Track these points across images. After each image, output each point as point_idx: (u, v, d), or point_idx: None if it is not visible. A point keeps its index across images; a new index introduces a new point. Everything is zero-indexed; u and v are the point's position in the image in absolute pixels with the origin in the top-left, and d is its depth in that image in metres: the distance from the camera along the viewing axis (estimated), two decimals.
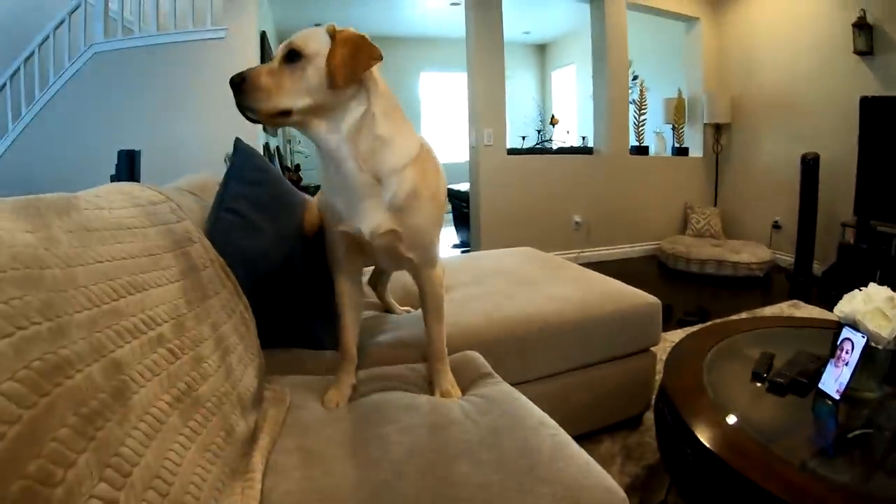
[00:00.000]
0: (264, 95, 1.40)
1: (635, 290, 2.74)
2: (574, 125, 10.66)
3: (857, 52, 5.31)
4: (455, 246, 7.52)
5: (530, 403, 1.59)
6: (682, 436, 1.78)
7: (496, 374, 1.81)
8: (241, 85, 1.39)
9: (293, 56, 1.44)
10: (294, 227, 1.98)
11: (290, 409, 1.56)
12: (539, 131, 8.37)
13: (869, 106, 4.88)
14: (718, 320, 3.27)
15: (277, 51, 1.47)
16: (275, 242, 1.88)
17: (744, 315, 4.49)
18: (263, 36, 6.33)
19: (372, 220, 1.60)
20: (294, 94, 1.42)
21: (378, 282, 2.53)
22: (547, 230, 6.13)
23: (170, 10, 5.53)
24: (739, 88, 6.86)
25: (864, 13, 5.23)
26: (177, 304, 1.23)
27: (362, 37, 1.49)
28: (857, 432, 1.78)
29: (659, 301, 2.70)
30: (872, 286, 2.01)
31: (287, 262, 1.91)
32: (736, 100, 6.89)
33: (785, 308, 4.74)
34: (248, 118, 1.44)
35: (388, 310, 2.53)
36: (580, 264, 2.97)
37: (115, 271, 1.06)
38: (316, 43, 1.45)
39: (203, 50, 5.38)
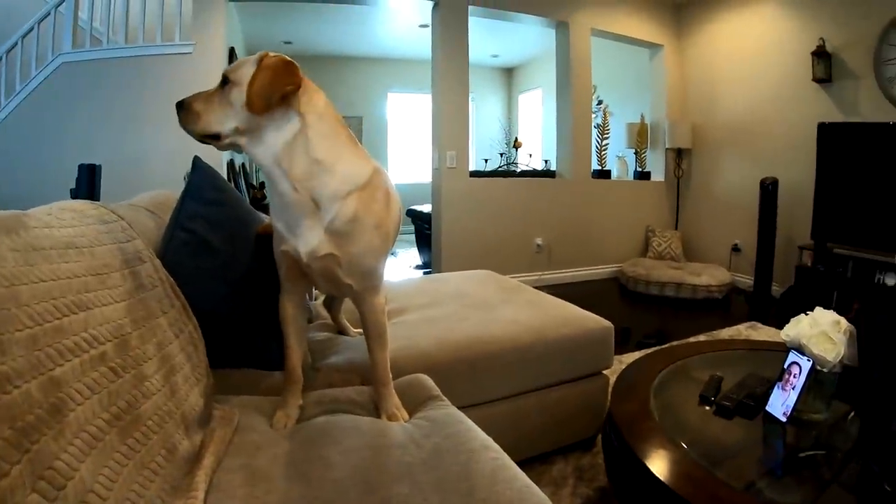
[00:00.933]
0: (194, 118, 1.49)
1: (588, 313, 2.74)
2: (539, 149, 10.70)
3: (816, 80, 5.45)
4: (417, 267, 7.49)
5: (475, 427, 1.59)
6: (628, 461, 1.77)
7: (444, 398, 1.81)
8: (179, 107, 1.50)
9: (224, 82, 1.51)
10: (250, 247, 1.96)
11: (238, 429, 1.54)
12: (502, 154, 8.37)
13: (826, 132, 4.99)
14: (673, 343, 3.28)
15: None
16: (229, 262, 1.87)
17: (702, 337, 4.52)
18: (232, 52, 6.29)
19: (310, 241, 1.59)
20: (221, 117, 1.49)
21: (332, 303, 2.50)
22: (508, 253, 6.13)
23: (139, 23, 5.46)
24: (701, 114, 6.98)
25: (823, 42, 5.37)
26: (121, 323, 1.22)
27: (286, 62, 1.52)
28: (805, 454, 1.80)
29: (611, 324, 2.69)
30: (818, 310, 2.03)
31: (241, 283, 1.89)
32: (697, 125, 6.99)
33: (743, 330, 4.79)
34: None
35: (341, 331, 2.49)
36: (541, 287, 2.95)
37: (59, 290, 1.07)
38: (243, 69, 1.50)
39: (171, 64, 5.30)
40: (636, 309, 5.64)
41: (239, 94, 1.47)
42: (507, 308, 2.75)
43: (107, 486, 0.97)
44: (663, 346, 2.90)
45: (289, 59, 1.54)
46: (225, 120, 1.49)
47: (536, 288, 3.13)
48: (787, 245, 5.71)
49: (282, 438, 1.53)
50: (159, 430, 1.20)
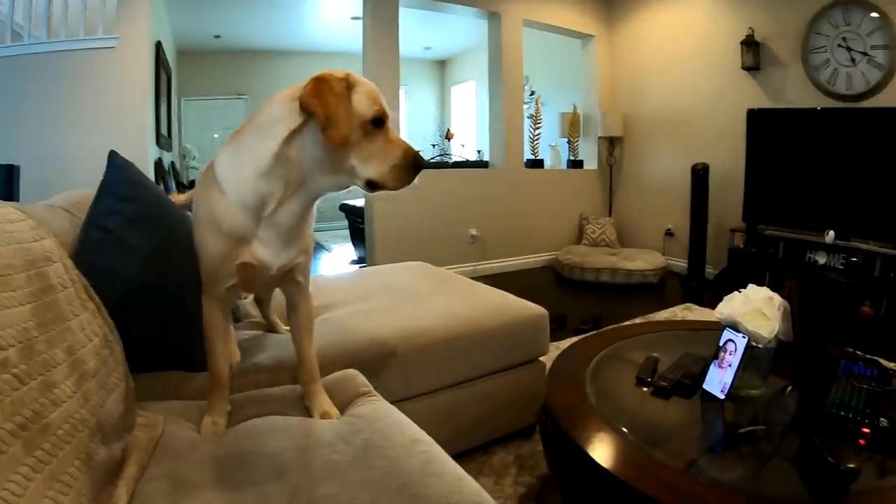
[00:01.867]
0: None
1: (522, 301, 2.72)
2: (473, 140, 10.70)
3: (745, 68, 5.59)
4: (353, 262, 7.36)
5: (406, 420, 1.57)
6: (566, 448, 1.72)
7: (375, 393, 1.76)
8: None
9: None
10: (170, 244, 1.84)
11: (162, 436, 1.47)
12: (434, 145, 8.31)
13: (755, 118, 5.16)
14: (608, 327, 3.26)
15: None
16: (148, 260, 1.74)
17: (638, 320, 4.53)
18: (159, 46, 6.07)
19: (288, 253, 1.55)
20: None
21: (262, 301, 2.40)
22: (442, 244, 6.06)
23: (61, 17, 5.20)
24: (633, 103, 7.05)
25: (753, 31, 5.49)
26: (26, 326, 1.11)
27: None
28: (744, 430, 1.77)
29: (545, 311, 2.67)
30: (752, 287, 2.02)
31: (162, 281, 1.78)
32: (629, 114, 7.06)
33: (678, 311, 4.88)
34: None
35: (271, 329, 2.39)
36: (476, 277, 2.91)
37: None
38: None
39: (94, 59, 5.03)
40: (572, 296, 5.63)
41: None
42: (439, 299, 2.69)
43: (11, 502, 0.89)
44: (599, 331, 2.87)
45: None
46: None
47: (472, 279, 3.08)
48: (719, 228, 5.84)
49: (208, 443, 1.46)
50: (72, 439, 1.11)
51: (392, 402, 1.77)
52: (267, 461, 1.35)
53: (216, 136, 9.54)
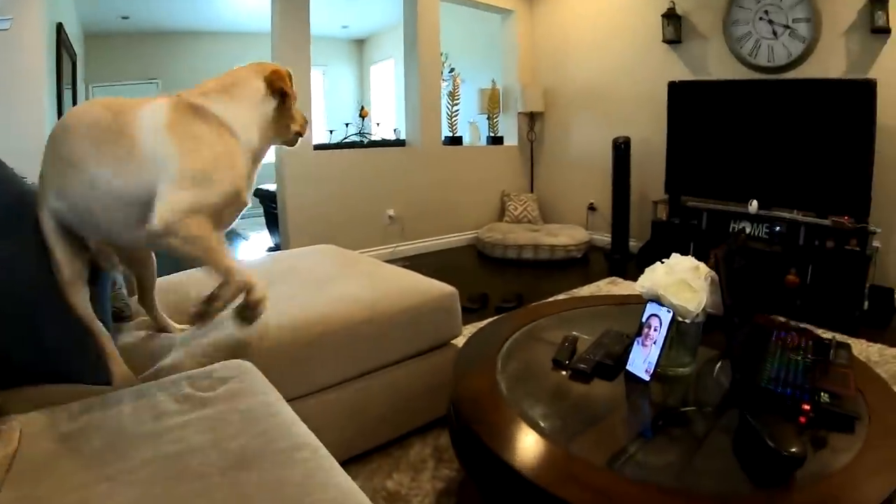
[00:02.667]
0: None
1: (430, 280, 2.55)
2: (393, 119, 10.45)
3: (666, 41, 5.56)
4: (270, 249, 7.04)
5: (293, 421, 1.43)
6: (472, 444, 1.51)
7: (266, 386, 1.61)
8: None
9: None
10: (31, 241, 1.65)
11: (19, 451, 1.29)
12: (347, 124, 8.06)
13: (676, 90, 5.16)
14: (529, 304, 3.09)
15: None
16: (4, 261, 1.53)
17: (561, 296, 4.42)
18: (60, 28, 5.61)
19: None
20: None
21: (146, 299, 2.11)
22: (360, 226, 5.81)
23: None
24: (553, 77, 6.94)
25: (674, 4, 5.45)
26: None
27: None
28: (675, 412, 1.64)
29: (455, 290, 2.51)
30: (675, 256, 1.87)
31: (20, 284, 1.56)
32: (550, 88, 6.96)
33: (603, 286, 4.81)
34: None
35: (161, 329, 2.13)
36: (396, 259, 2.74)
37: None
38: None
39: None
40: (495, 274, 5.51)
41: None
42: (341, 283, 2.48)
43: None
44: (516, 310, 2.69)
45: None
46: None
47: (391, 261, 2.88)
48: (642, 201, 5.83)
49: (69, 457, 1.28)
50: None
51: (291, 399, 1.69)
52: (131, 477, 1.19)
53: None
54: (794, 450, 1.26)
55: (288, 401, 1.63)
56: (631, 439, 1.52)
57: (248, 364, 1.72)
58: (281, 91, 1.79)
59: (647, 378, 1.68)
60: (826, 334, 2.15)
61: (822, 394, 1.56)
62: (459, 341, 2.48)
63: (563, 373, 1.80)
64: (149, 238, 1.53)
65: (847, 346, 1.91)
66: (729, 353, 1.78)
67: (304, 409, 1.95)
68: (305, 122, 1.93)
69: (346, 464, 2.17)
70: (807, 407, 1.50)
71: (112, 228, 1.64)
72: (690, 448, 1.46)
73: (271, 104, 1.79)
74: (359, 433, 2.23)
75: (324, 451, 1.30)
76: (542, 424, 1.51)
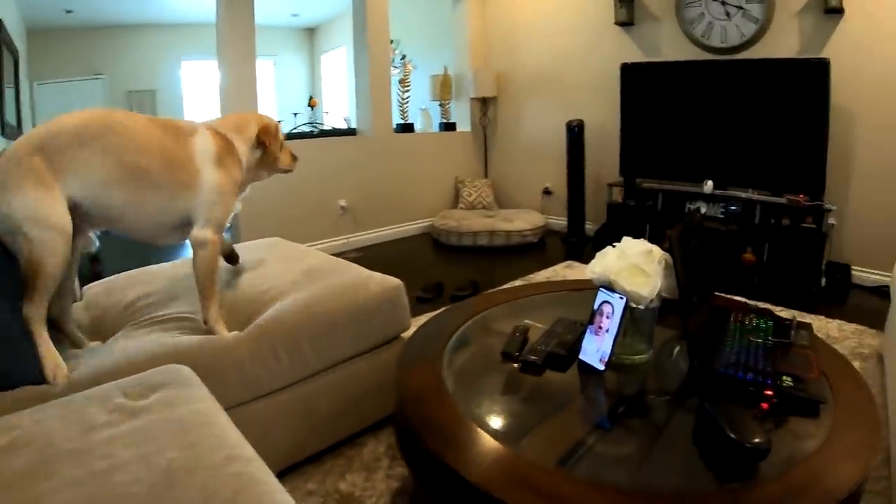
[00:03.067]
0: None
1: (374, 274, 2.44)
2: (346, 108, 10.27)
3: (619, 23, 5.48)
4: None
5: (228, 430, 1.35)
6: (416, 446, 1.41)
7: (202, 393, 1.51)
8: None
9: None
10: None
11: None
12: (296, 114, 7.90)
13: (629, 72, 5.12)
14: (484, 292, 3.00)
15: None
16: None
17: (518, 282, 4.37)
18: (0, 25, 5.37)
19: None
20: None
21: (62, 312, 1.97)
22: (311, 218, 5.67)
23: None
24: (505, 62, 6.86)
25: None
26: None
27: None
28: (626, 405, 1.57)
29: (400, 282, 2.40)
30: (626, 240, 1.80)
31: None
32: (502, 73, 6.88)
33: (560, 270, 4.74)
34: None
35: (75, 345, 2.00)
36: (349, 250, 2.65)
37: None
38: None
39: None
40: (450, 262, 5.43)
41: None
42: (280, 281, 2.37)
43: None
44: (467, 299, 2.60)
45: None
46: None
47: (344, 252, 2.77)
48: (597, 184, 5.77)
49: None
50: None
51: (233, 406, 1.68)
52: (54, 498, 1.11)
53: None
54: (757, 440, 1.20)
55: (231, 407, 1.54)
56: (586, 434, 1.44)
57: (184, 369, 1.63)
58: (263, 143, 2.22)
59: (601, 368, 1.61)
60: (784, 312, 2.10)
61: (784, 377, 1.50)
62: (409, 335, 2.38)
63: (514, 365, 1.71)
64: (192, 243, 2.00)
65: (808, 326, 1.85)
66: (686, 338, 1.69)
67: (250, 414, 1.89)
68: (293, 160, 2.46)
69: (297, 466, 2.11)
70: (769, 392, 1.44)
71: (132, 228, 1.95)
72: (649, 441, 1.39)
73: (258, 150, 2.22)
74: (310, 435, 2.14)
75: (258, 462, 1.23)
76: (491, 423, 1.43)
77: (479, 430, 1.37)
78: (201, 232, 1.97)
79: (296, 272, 2.47)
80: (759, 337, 1.73)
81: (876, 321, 3.22)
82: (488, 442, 1.33)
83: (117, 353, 1.77)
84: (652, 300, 1.61)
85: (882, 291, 3.95)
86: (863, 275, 4.18)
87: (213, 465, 1.19)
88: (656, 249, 1.70)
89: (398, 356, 1.88)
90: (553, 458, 1.28)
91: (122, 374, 1.63)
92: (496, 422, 1.44)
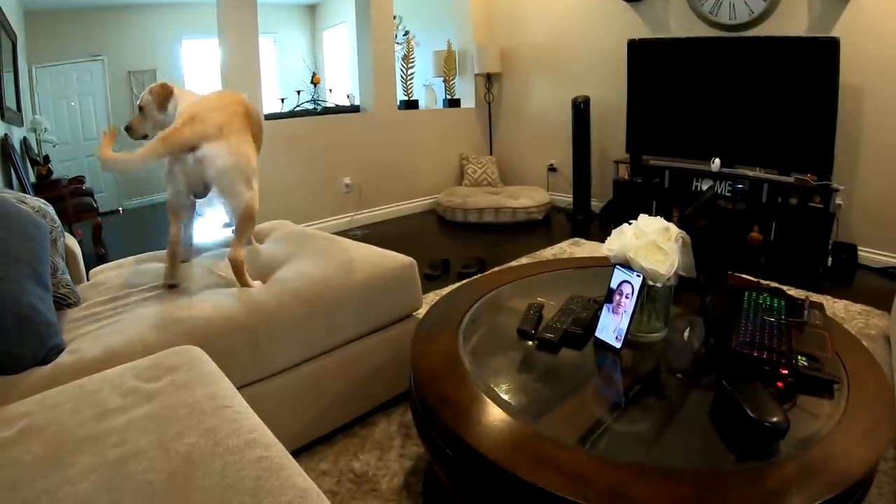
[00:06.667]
0: (133, 131, 2.35)
1: (386, 252, 2.45)
2: (348, 85, 10.20)
3: None
4: (226, 225, 6.85)
5: (245, 413, 1.34)
6: (435, 425, 1.42)
7: (216, 375, 1.51)
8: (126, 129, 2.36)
9: (140, 109, 2.32)
10: None
11: None
12: (299, 92, 7.83)
13: (636, 48, 5.05)
14: (493, 269, 3.00)
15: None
16: None
17: (524, 259, 4.38)
18: None
19: None
20: (145, 126, 2.34)
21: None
22: (316, 197, 5.65)
23: None
24: (510, 37, 6.80)
25: None
26: None
27: (162, 84, 2.34)
28: (644, 383, 1.57)
29: (413, 260, 2.42)
30: (643, 217, 1.78)
31: None
32: (506, 49, 6.82)
33: (566, 247, 4.74)
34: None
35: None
36: (354, 228, 2.65)
37: None
38: (145, 98, 2.31)
39: None
40: (456, 239, 5.42)
41: (150, 111, 2.30)
42: (293, 262, 2.38)
43: None
44: (477, 276, 2.60)
45: (163, 81, 2.36)
46: (147, 125, 2.33)
47: (349, 230, 2.77)
48: (603, 160, 5.76)
49: (6, 469, 1.17)
50: None
51: (245, 386, 1.70)
52: (72, 489, 1.09)
53: (73, 103, 8.66)
54: (776, 419, 1.21)
55: (243, 386, 1.55)
56: (605, 413, 1.44)
57: (196, 350, 1.63)
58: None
59: (618, 346, 1.60)
60: (791, 292, 2.10)
61: (799, 357, 1.50)
62: (421, 313, 2.39)
63: (530, 343, 1.72)
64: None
65: (821, 306, 1.86)
66: (703, 316, 1.69)
67: (261, 394, 1.89)
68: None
69: (309, 446, 2.11)
70: (785, 371, 1.44)
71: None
72: (667, 419, 1.39)
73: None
74: (321, 414, 2.15)
75: (278, 447, 1.22)
76: (510, 401, 1.43)
77: (497, 408, 1.38)
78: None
79: (305, 251, 2.49)
80: (772, 316, 1.73)
81: (883, 302, 3.22)
82: (508, 420, 1.34)
83: (128, 331, 1.76)
84: (669, 278, 1.60)
85: (889, 272, 3.97)
86: (870, 255, 4.17)
87: (232, 451, 1.18)
88: (673, 227, 1.69)
89: (413, 334, 1.87)
90: (573, 436, 1.29)
91: (134, 355, 1.64)
92: (515, 399, 1.44)
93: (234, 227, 2.25)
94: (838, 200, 4.01)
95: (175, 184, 2.13)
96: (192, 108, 2.10)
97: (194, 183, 2.13)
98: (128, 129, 2.35)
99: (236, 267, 2.09)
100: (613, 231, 1.77)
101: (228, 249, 2.17)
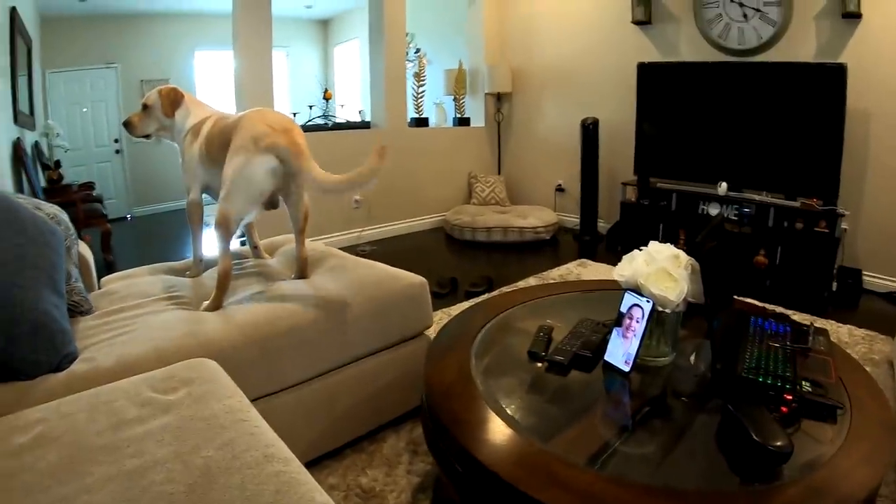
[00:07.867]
0: (133, 128, 2.55)
1: (398, 271, 2.48)
2: (358, 101, 10.26)
3: (636, 22, 5.49)
4: (238, 237, 6.89)
5: (261, 428, 1.34)
6: (446, 441, 1.45)
7: (231, 388, 1.52)
8: (126, 124, 2.57)
9: (144, 107, 2.52)
10: None
11: None
12: (311, 106, 7.89)
13: (645, 71, 5.13)
14: (500, 290, 3.03)
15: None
16: None
17: (532, 280, 4.40)
18: (14, 12, 5.38)
19: None
20: (147, 124, 2.55)
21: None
22: (325, 212, 5.63)
23: None
24: (521, 58, 6.85)
25: None
26: None
27: (173, 89, 2.54)
28: (652, 406, 1.60)
29: (424, 280, 2.45)
30: (654, 244, 1.81)
31: None
32: (517, 69, 6.86)
33: (573, 268, 4.74)
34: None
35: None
36: (362, 244, 2.68)
37: None
38: (152, 98, 2.50)
39: None
40: (463, 257, 5.46)
41: (155, 110, 2.52)
42: (309, 278, 2.43)
43: None
44: (490, 295, 2.63)
45: (174, 86, 2.57)
46: (150, 125, 2.55)
47: (357, 245, 2.81)
48: (611, 182, 5.79)
49: (21, 476, 1.17)
50: None
51: (257, 399, 1.69)
52: (88, 498, 1.09)
53: (85, 109, 8.74)
54: (780, 443, 1.23)
55: (255, 399, 1.56)
56: (613, 434, 1.48)
57: (211, 363, 1.65)
58: None
59: (626, 369, 1.64)
60: (795, 316, 2.13)
61: (803, 382, 1.53)
62: (432, 332, 2.43)
63: (539, 365, 1.75)
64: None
65: (825, 332, 1.89)
66: (711, 341, 1.73)
67: (273, 408, 1.90)
68: None
69: (318, 460, 2.12)
70: (789, 397, 1.47)
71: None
72: (674, 442, 1.42)
73: None
74: (331, 429, 2.17)
75: (295, 462, 1.23)
76: (520, 421, 1.46)
77: (508, 427, 1.41)
78: None
79: (319, 269, 2.53)
80: (777, 342, 1.76)
81: (887, 327, 3.25)
82: (518, 439, 1.37)
83: (142, 342, 1.78)
84: (678, 304, 1.64)
85: (894, 297, 3.99)
86: (874, 280, 4.20)
87: (251, 465, 1.19)
88: (683, 255, 1.73)
89: (427, 352, 1.91)
90: (582, 456, 1.32)
91: (148, 366, 1.65)
92: (525, 419, 1.48)
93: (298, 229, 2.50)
94: (844, 225, 4.05)
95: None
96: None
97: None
98: (127, 124, 2.54)
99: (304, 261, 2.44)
100: (624, 257, 1.80)
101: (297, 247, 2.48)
